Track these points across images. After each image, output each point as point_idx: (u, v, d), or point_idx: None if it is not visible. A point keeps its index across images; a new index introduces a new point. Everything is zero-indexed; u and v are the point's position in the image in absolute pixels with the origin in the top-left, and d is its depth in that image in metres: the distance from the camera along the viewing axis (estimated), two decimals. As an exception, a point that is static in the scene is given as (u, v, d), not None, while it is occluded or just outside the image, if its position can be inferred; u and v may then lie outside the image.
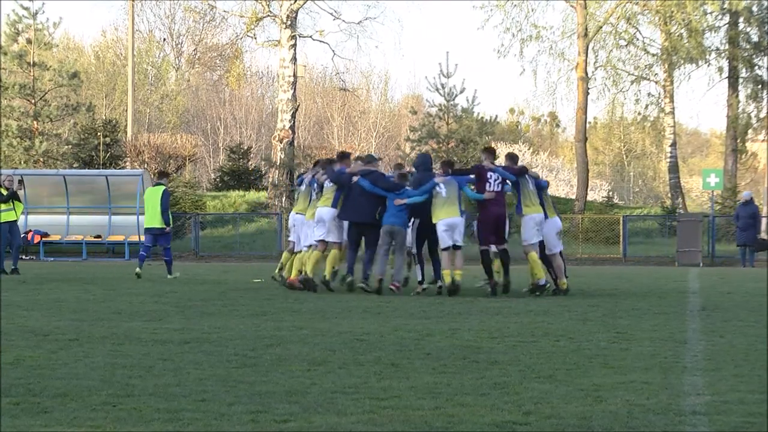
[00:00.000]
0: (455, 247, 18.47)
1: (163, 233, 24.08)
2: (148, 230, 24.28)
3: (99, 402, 7.72)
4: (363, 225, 19.05)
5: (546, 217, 18.82)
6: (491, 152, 19.51)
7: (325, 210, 19.24)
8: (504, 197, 18.77)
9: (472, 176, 18.84)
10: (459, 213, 18.51)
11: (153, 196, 24.05)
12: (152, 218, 23.99)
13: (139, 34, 77.93)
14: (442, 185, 18.59)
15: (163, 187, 24.14)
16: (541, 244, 18.85)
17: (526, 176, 18.80)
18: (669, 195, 52.55)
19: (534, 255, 18.48)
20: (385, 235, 18.81)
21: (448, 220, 18.45)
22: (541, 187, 18.99)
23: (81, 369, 9.28)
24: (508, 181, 18.72)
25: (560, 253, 19.20)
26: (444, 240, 18.53)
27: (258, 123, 78.57)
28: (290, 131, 47.94)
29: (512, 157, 19.54)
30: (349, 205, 19.06)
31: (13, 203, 24.59)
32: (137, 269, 23.89)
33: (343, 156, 20.14)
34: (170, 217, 24.46)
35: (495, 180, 18.50)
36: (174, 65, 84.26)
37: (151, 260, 36.38)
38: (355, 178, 19.06)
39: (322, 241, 19.23)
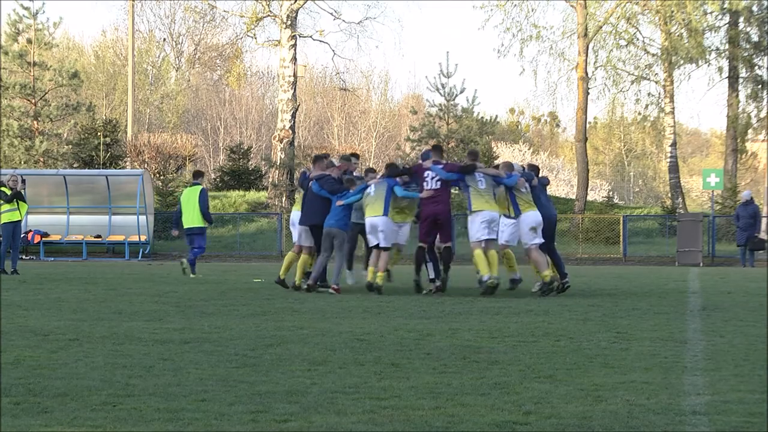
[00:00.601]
0: (381, 248, 18.69)
1: (202, 232, 24.23)
2: (187, 230, 24.37)
3: (99, 402, 7.72)
4: (317, 227, 19.22)
5: (518, 213, 18.53)
6: (437, 150, 19.52)
7: (295, 214, 20.03)
8: (445, 195, 18.63)
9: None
10: (382, 212, 18.66)
11: (190, 196, 24.13)
12: (191, 218, 24.08)
13: (139, 34, 77.98)
14: (372, 186, 18.90)
15: (201, 187, 24.28)
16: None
17: (477, 175, 18.42)
18: (669, 195, 52.51)
19: (479, 252, 18.26)
20: (325, 237, 19.00)
21: (370, 220, 18.77)
22: (506, 185, 18.55)
23: (81, 369, 9.28)
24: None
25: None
26: (369, 239, 18.92)
27: (258, 123, 78.59)
28: (290, 131, 47.95)
29: (471, 154, 19.40)
30: (305, 209, 19.44)
31: (17, 203, 24.57)
32: (192, 275, 24.02)
33: (317, 159, 20.23)
34: (211, 215, 24.64)
35: (432, 178, 18.51)
36: (174, 65, 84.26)
37: (151, 260, 36.42)
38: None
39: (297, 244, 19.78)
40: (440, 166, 18.57)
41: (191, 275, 23.83)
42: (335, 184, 19.18)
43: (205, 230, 24.35)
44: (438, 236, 18.81)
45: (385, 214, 18.70)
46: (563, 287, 18.94)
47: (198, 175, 25.39)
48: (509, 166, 19.22)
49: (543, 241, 18.69)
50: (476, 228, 18.30)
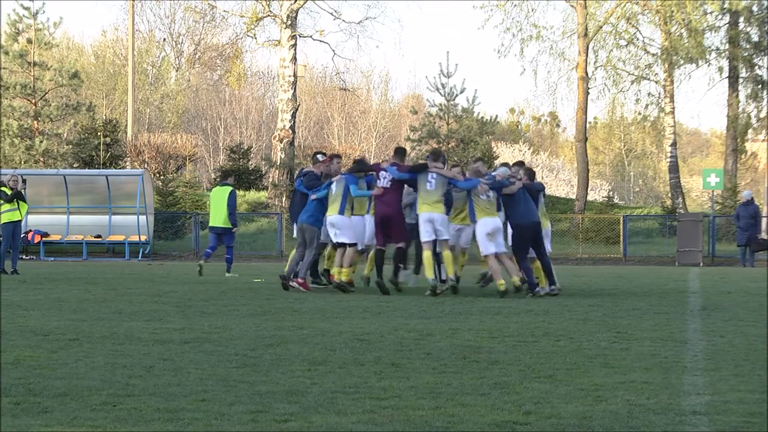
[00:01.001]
0: (346, 245, 18.78)
1: (228, 232, 24.55)
2: (212, 229, 24.75)
3: (99, 402, 7.72)
4: None
5: (473, 219, 18.33)
6: (398, 152, 19.50)
7: None
8: (394, 196, 18.53)
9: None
10: (338, 211, 18.79)
11: (219, 196, 24.52)
12: (217, 217, 24.49)
13: (139, 34, 77.95)
14: (334, 183, 19.02)
15: (231, 188, 24.68)
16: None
17: (428, 175, 18.28)
18: (669, 195, 52.53)
19: (427, 254, 18.27)
20: (299, 232, 19.42)
21: (329, 218, 18.94)
22: (459, 188, 18.46)
23: (81, 369, 9.28)
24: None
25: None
26: (331, 237, 19.09)
27: (258, 123, 78.58)
28: (290, 131, 47.95)
29: (433, 154, 19.16)
30: (292, 205, 20.10)
31: (17, 203, 24.56)
32: (200, 263, 24.57)
33: (313, 156, 20.76)
34: (236, 217, 24.93)
35: (384, 178, 18.59)
36: (174, 65, 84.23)
37: (151, 259, 36.41)
38: None
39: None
40: (395, 167, 18.64)
41: (227, 274, 24.25)
42: (312, 180, 19.52)
43: (231, 230, 24.70)
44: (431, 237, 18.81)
45: (341, 213, 18.81)
46: (552, 294, 18.52)
47: (227, 175, 25.73)
48: (476, 172, 18.89)
49: (501, 250, 18.23)
50: (421, 231, 18.32)
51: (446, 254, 18.37)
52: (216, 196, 24.64)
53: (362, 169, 19.23)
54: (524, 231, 18.36)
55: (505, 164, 20.15)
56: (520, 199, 18.46)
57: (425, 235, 18.23)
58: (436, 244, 18.42)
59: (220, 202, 24.37)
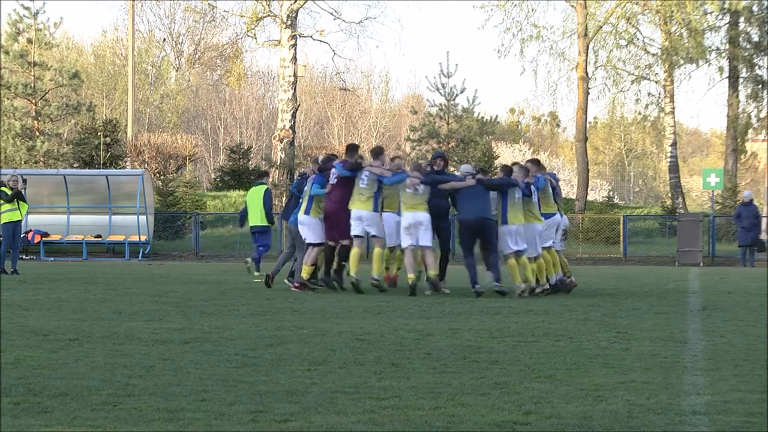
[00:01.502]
0: (310, 245, 19.02)
1: (265, 231, 24.77)
2: (251, 228, 24.98)
3: (99, 402, 7.73)
4: None
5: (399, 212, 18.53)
6: (349, 149, 19.66)
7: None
8: (338, 194, 18.69)
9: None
10: (304, 212, 19.04)
11: (255, 195, 24.61)
12: (256, 217, 24.63)
13: (139, 34, 77.94)
14: (308, 183, 19.31)
15: (266, 187, 24.75)
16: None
17: (362, 173, 18.54)
18: (669, 195, 52.52)
19: (355, 250, 18.59)
20: (287, 234, 19.85)
21: (299, 218, 19.21)
22: (386, 184, 18.62)
23: (81, 369, 9.28)
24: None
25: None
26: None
27: (258, 123, 78.59)
28: (290, 131, 47.95)
29: (373, 151, 19.38)
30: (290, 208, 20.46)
31: (18, 203, 24.55)
32: (256, 272, 24.36)
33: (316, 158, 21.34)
34: (273, 216, 25.06)
35: (333, 176, 18.85)
36: (174, 65, 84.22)
37: (151, 259, 36.41)
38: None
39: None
40: (341, 164, 18.83)
41: (255, 273, 24.12)
42: (301, 183, 19.84)
43: (269, 229, 24.88)
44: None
45: (306, 213, 19.00)
46: (476, 292, 18.24)
47: (263, 174, 25.98)
48: (417, 167, 19.13)
49: (425, 244, 18.30)
50: (352, 227, 18.58)
51: (377, 252, 18.67)
52: (252, 196, 24.74)
53: (327, 168, 19.31)
54: (466, 227, 18.50)
55: (516, 164, 20.12)
56: (467, 195, 18.50)
57: (353, 231, 18.56)
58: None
59: (257, 201, 24.49)
